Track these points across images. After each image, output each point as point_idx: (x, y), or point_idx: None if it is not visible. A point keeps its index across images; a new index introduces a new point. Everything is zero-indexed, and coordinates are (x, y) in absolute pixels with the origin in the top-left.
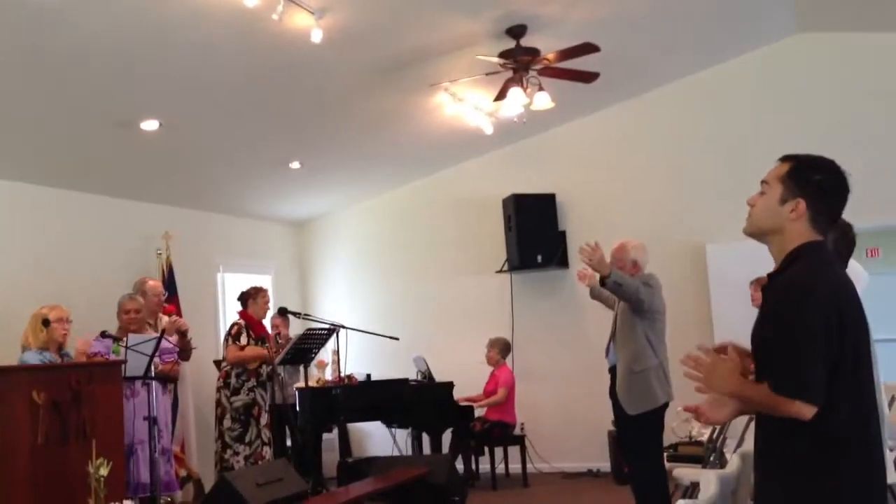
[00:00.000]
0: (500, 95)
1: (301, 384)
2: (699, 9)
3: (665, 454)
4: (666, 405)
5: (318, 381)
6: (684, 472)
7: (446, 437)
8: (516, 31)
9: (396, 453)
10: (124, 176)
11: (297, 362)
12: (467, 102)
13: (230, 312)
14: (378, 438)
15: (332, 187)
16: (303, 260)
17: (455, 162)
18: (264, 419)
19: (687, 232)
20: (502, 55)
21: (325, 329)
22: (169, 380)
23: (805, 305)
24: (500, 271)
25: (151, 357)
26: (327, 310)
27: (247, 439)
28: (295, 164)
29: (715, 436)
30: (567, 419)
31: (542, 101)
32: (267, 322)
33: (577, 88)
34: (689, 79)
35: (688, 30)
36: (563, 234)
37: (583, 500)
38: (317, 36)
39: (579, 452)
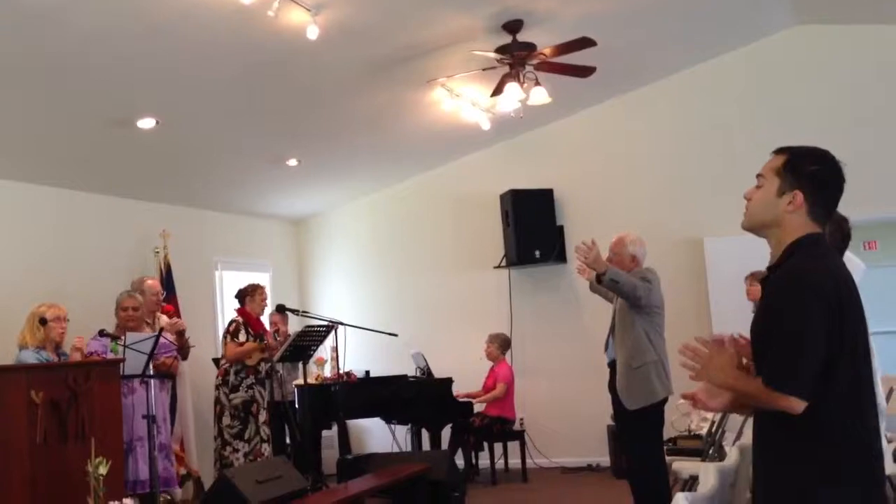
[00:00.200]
0: (497, 91)
1: (300, 381)
2: (696, 2)
3: (664, 448)
4: (665, 400)
5: (316, 378)
6: (683, 466)
7: (446, 432)
8: (513, 26)
9: (396, 449)
10: (121, 174)
11: (296, 359)
12: (464, 98)
13: (228, 310)
14: (377, 435)
15: (330, 184)
16: (301, 257)
17: (452, 158)
18: (263, 416)
19: (684, 226)
20: (499, 50)
21: (323, 326)
22: (168, 377)
23: (804, 298)
24: (499, 267)
25: (150, 355)
26: (325, 307)
27: (246, 436)
28: (292, 162)
29: (714, 429)
30: (566, 414)
31: (539, 96)
32: (265, 319)
33: (574, 83)
34: (686, 72)
35: (685, 23)
36: (560, 229)
37: (582, 494)
38: (313, 32)
39: (578, 447)
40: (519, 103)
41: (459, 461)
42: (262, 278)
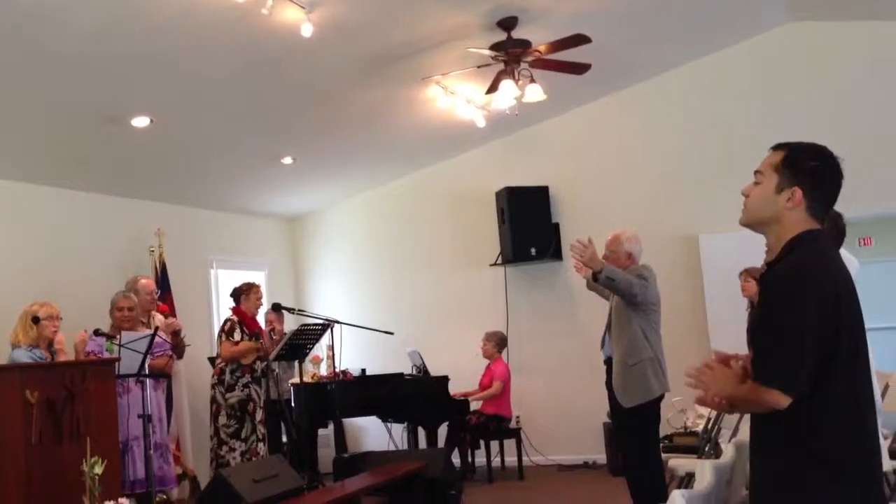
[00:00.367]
0: (492, 88)
1: (296, 380)
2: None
3: (660, 445)
4: (662, 397)
5: (312, 377)
6: (680, 463)
7: (442, 430)
8: (507, 23)
9: (392, 448)
10: (116, 172)
11: (292, 358)
12: (459, 95)
13: (223, 309)
14: (374, 433)
15: (325, 182)
16: (296, 255)
17: (448, 155)
18: (259, 415)
19: (680, 223)
20: (494, 47)
21: (319, 324)
22: (163, 376)
23: (801, 293)
24: (494, 264)
25: (145, 355)
26: (321, 305)
27: (242, 436)
28: (287, 160)
29: (709, 426)
30: (562, 412)
31: (534, 93)
32: (261, 318)
33: (569, 80)
34: (680, 69)
35: (679, 20)
36: (556, 227)
37: (579, 492)
38: (307, 30)
39: (575, 445)
40: (514, 100)
41: (456, 459)
42: (257, 277)
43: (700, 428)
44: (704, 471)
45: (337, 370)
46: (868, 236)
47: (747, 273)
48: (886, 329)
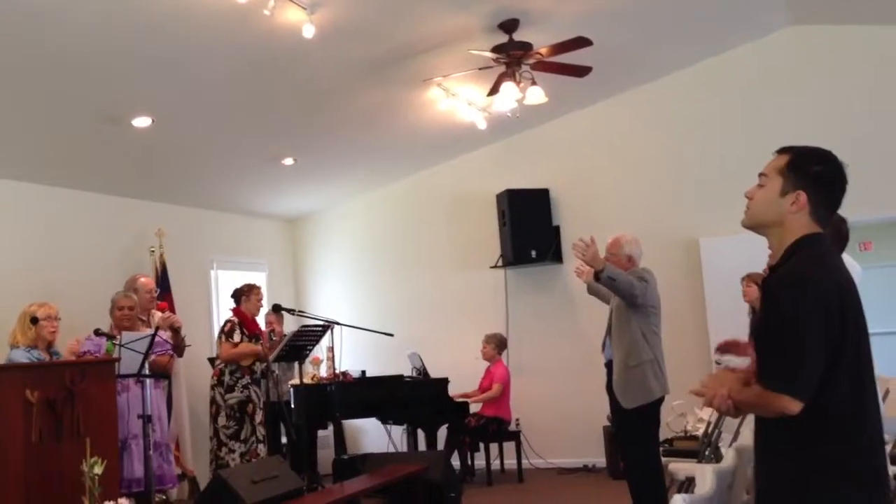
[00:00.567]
0: (493, 90)
1: (296, 381)
2: (691, 3)
3: (661, 448)
4: (662, 399)
5: (312, 378)
6: (680, 467)
7: (442, 433)
8: (509, 26)
9: (392, 450)
10: (117, 173)
11: (292, 359)
12: (460, 97)
13: (224, 310)
14: (373, 435)
15: (326, 183)
16: (297, 256)
17: (448, 157)
18: (259, 416)
19: (680, 226)
20: (495, 50)
21: (319, 326)
22: (163, 376)
23: (804, 297)
24: (495, 267)
25: (146, 354)
26: (321, 306)
27: (241, 437)
28: (288, 161)
29: (710, 430)
30: (562, 414)
31: (536, 95)
32: (261, 319)
33: (571, 83)
34: (681, 72)
35: (680, 23)
36: (557, 229)
37: (578, 495)
38: (308, 31)
39: (575, 448)
40: (515, 103)
41: (455, 462)
42: (257, 277)
43: (700, 432)
44: (706, 475)
45: (337, 371)
46: (868, 241)
47: (749, 278)
48: (887, 334)
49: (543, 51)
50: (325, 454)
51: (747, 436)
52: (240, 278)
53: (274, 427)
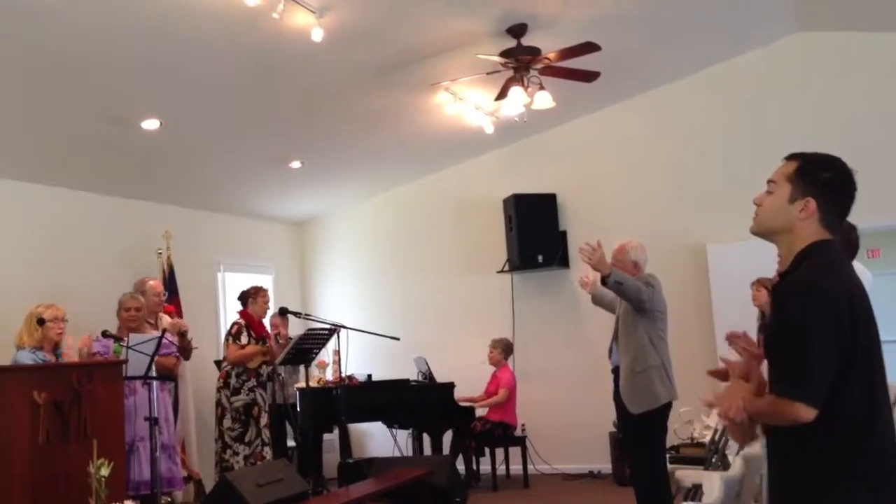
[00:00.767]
0: (501, 95)
1: (301, 384)
2: (699, 8)
3: (667, 455)
4: (669, 405)
5: (318, 382)
6: (686, 474)
7: (447, 437)
8: (517, 30)
9: (397, 454)
10: (125, 175)
11: (298, 362)
12: (468, 102)
13: (230, 312)
14: (379, 439)
15: (333, 187)
16: (303, 259)
17: (456, 161)
18: (264, 419)
19: (687, 232)
20: (503, 54)
21: (325, 329)
22: (170, 378)
23: (813, 304)
24: (501, 271)
25: (152, 357)
26: (328, 310)
27: (247, 439)
28: (295, 164)
29: (717, 437)
30: (568, 420)
31: (543, 100)
32: (266, 322)
33: (578, 88)
34: (689, 78)
35: (688, 29)
36: (563, 234)
37: (584, 501)
38: (317, 35)
39: (580, 454)
40: (523, 107)
41: (460, 466)
42: (264, 280)
43: (707, 439)
44: (713, 483)
45: (343, 375)
46: (877, 248)
47: (759, 283)
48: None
49: (552, 55)
50: (331, 458)
51: (755, 444)
52: (246, 281)
53: (280, 430)
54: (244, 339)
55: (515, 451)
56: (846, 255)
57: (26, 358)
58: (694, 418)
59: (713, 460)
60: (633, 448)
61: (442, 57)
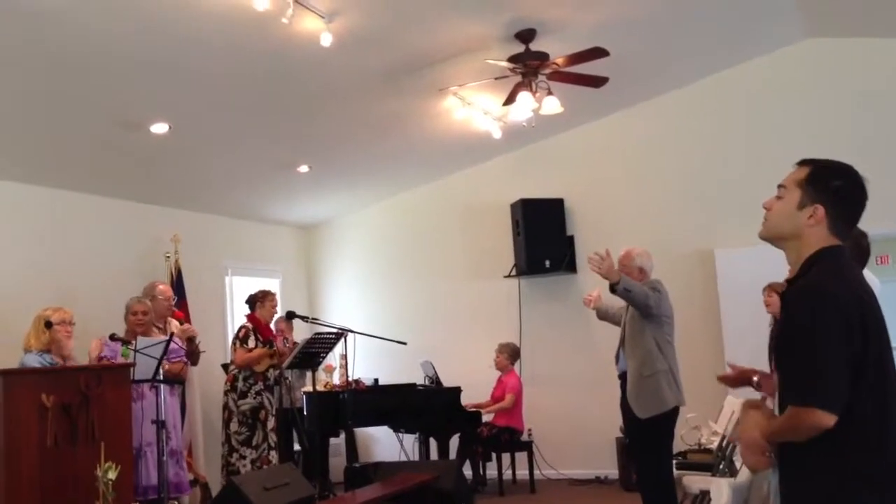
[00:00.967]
0: (509, 100)
1: (308, 388)
2: (708, 14)
3: (674, 461)
4: (676, 410)
5: (325, 386)
6: (693, 481)
7: (454, 442)
8: (525, 36)
9: (403, 458)
10: (133, 179)
11: (305, 366)
12: (476, 107)
13: (238, 315)
14: (385, 443)
15: (341, 191)
16: (311, 264)
17: (463, 166)
18: (271, 423)
19: (695, 237)
20: (511, 59)
21: (332, 333)
22: (177, 382)
23: (822, 310)
24: (509, 276)
25: (160, 360)
26: (335, 314)
27: (253, 443)
28: (303, 168)
29: (724, 444)
30: (575, 425)
31: (551, 105)
32: (273, 326)
33: (586, 93)
34: (697, 84)
35: (697, 35)
36: (571, 239)
37: None
38: (326, 40)
39: (587, 459)
40: (531, 112)
41: (467, 471)
42: (272, 284)
43: (714, 445)
44: (721, 489)
45: (349, 379)
46: (885, 254)
47: (770, 288)
48: None
49: (560, 61)
50: (337, 462)
51: None
52: (254, 285)
53: (286, 434)
54: (251, 342)
55: (522, 456)
56: (857, 262)
57: (33, 361)
58: (701, 424)
59: (721, 466)
60: (640, 453)
61: (450, 62)
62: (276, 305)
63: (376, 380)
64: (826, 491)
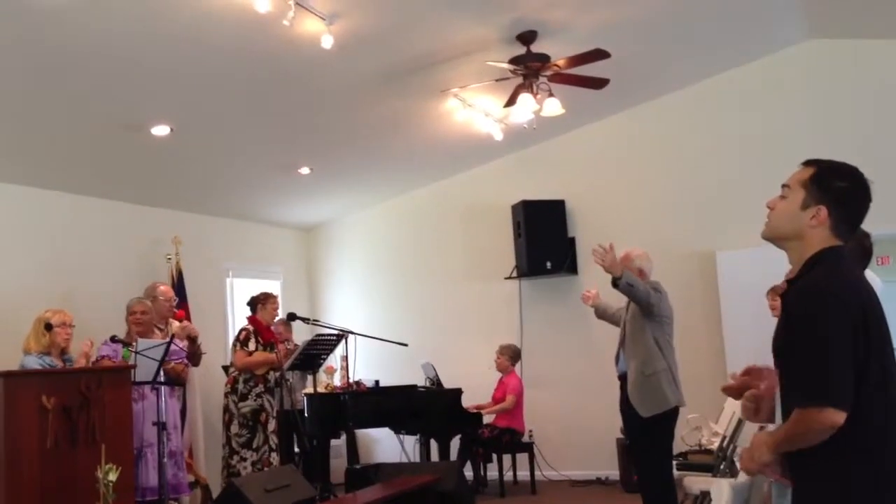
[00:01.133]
0: (510, 101)
1: (309, 390)
2: (709, 15)
3: (675, 462)
4: (676, 410)
5: (326, 387)
6: (694, 481)
7: (454, 443)
8: (526, 37)
9: (404, 460)
10: (135, 180)
11: (306, 368)
12: (477, 108)
13: (239, 317)
14: (386, 445)
15: (342, 193)
16: (312, 265)
17: (464, 168)
18: (272, 425)
19: (697, 239)
20: (512, 61)
21: (333, 335)
22: (178, 383)
23: (824, 310)
24: (510, 278)
25: (161, 362)
26: (336, 315)
27: (254, 445)
28: (304, 170)
29: (725, 444)
30: (576, 426)
31: (552, 107)
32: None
33: (587, 94)
34: (698, 85)
35: (698, 36)
36: (572, 241)
37: None
38: (327, 42)
39: (588, 460)
40: (532, 114)
41: (468, 472)
42: (272, 286)
43: (715, 445)
44: (722, 490)
45: (350, 381)
46: (886, 255)
47: (773, 292)
48: None
49: (561, 63)
50: (338, 463)
51: None
52: (255, 287)
53: (287, 436)
54: (252, 345)
55: (523, 458)
56: (860, 262)
57: (33, 363)
58: (702, 425)
59: (721, 467)
60: (641, 452)
61: (451, 64)
62: (277, 308)
63: (377, 381)
64: (834, 493)
